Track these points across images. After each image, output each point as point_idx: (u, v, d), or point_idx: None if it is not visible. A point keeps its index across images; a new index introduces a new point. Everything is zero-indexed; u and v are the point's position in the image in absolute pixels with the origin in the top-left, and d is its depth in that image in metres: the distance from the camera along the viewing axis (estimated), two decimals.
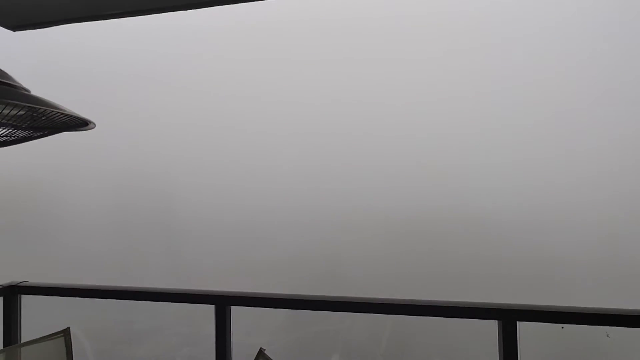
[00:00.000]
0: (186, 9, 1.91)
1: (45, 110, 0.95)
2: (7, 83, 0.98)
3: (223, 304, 2.15)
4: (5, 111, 0.90)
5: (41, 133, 1.15)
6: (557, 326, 1.80)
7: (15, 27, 1.96)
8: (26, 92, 1.00)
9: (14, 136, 1.12)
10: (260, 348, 1.73)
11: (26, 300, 2.47)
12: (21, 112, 0.97)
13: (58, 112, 0.97)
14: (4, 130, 1.06)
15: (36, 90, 1.08)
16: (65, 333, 1.96)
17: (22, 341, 2.33)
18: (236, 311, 2.20)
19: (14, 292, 2.41)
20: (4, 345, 2.37)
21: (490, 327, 1.83)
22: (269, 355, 1.68)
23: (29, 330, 2.45)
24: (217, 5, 1.86)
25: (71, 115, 1.01)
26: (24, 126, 1.07)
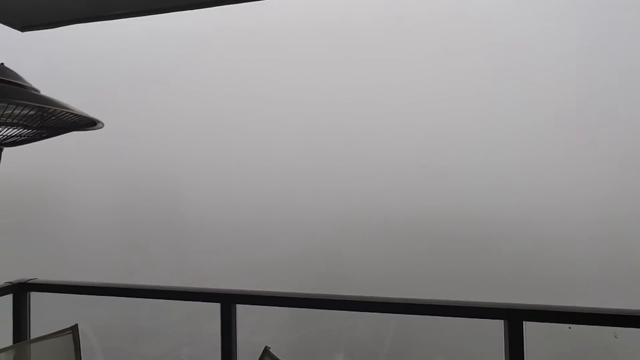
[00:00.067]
0: (189, 9, 1.93)
1: (55, 110, 0.96)
2: (17, 83, 0.99)
3: (228, 302, 2.16)
4: (16, 111, 0.92)
5: (50, 133, 1.16)
6: (564, 326, 1.79)
7: (23, 27, 1.98)
8: (36, 92, 1.01)
9: (24, 136, 1.14)
10: (266, 346, 1.74)
11: (35, 298, 2.51)
12: (31, 112, 0.98)
13: (67, 112, 0.98)
14: (15, 130, 1.07)
15: (44, 91, 1.10)
16: (74, 330, 1.98)
17: (32, 337, 2.36)
18: (240, 309, 2.21)
19: (23, 290, 2.44)
20: (14, 341, 2.40)
21: (496, 328, 1.83)
22: (274, 354, 1.69)
23: (37, 326, 2.49)
24: (219, 5, 1.87)
25: (80, 115, 1.03)
26: (34, 126, 1.08)
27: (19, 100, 0.87)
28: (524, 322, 1.74)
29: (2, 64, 1.02)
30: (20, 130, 1.10)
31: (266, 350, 1.72)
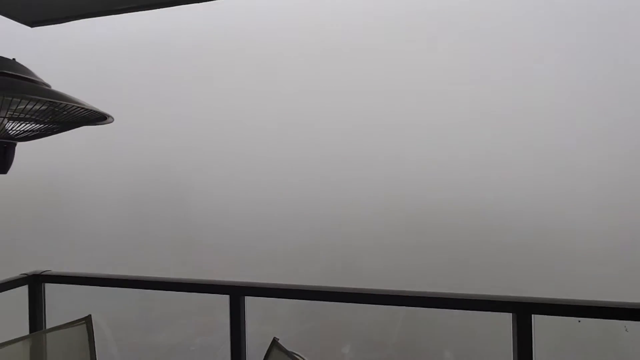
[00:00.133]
0: (198, 2, 1.91)
1: (66, 105, 0.97)
2: (29, 79, 1.00)
3: (237, 294, 2.19)
4: (29, 106, 0.93)
5: (61, 127, 1.18)
6: (574, 320, 1.77)
7: (32, 23, 2.00)
8: (47, 88, 1.03)
9: (36, 131, 1.15)
10: (274, 337, 1.76)
11: (49, 289, 2.57)
12: (43, 107, 1.00)
13: (78, 107, 0.99)
14: (27, 125, 1.09)
15: (53, 86, 1.11)
16: (87, 320, 2.03)
17: (47, 327, 2.43)
18: (249, 301, 2.24)
19: (37, 281, 2.50)
20: (30, 330, 2.48)
21: (504, 321, 1.82)
22: (282, 345, 1.71)
23: (52, 317, 2.56)
24: None
25: (90, 110, 1.04)
26: (45, 121, 1.10)
27: (32, 96, 0.89)
28: (532, 315, 1.73)
29: (14, 59, 1.04)
30: (33, 125, 1.12)
31: (275, 341, 1.74)
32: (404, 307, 2.07)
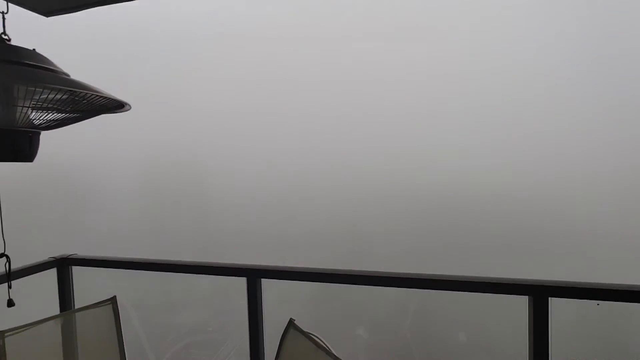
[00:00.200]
0: None
1: (86, 93, 0.99)
2: (49, 68, 1.03)
3: (254, 276, 2.24)
4: (50, 96, 0.96)
5: (82, 116, 1.21)
6: (592, 303, 1.75)
7: (48, 12, 2.01)
8: (67, 77, 1.05)
9: (58, 120, 1.18)
10: (291, 318, 1.81)
11: (76, 271, 2.70)
12: (64, 97, 1.02)
13: (97, 95, 1.01)
14: (49, 114, 1.12)
15: (72, 75, 1.14)
16: (113, 301, 2.13)
17: (75, 307, 2.56)
18: (265, 284, 2.30)
19: (65, 264, 2.63)
20: (60, 310, 2.62)
21: (519, 304, 1.81)
22: (299, 325, 1.75)
23: (79, 298, 2.69)
24: None
25: (109, 98, 1.06)
26: (66, 110, 1.13)
27: (54, 85, 0.91)
28: (549, 298, 1.71)
29: (34, 49, 1.06)
30: (54, 114, 1.15)
31: (291, 322, 1.79)
32: (419, 290, 2.08)
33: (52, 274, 2.61)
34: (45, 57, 1.05)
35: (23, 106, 0.97)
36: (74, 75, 1.11)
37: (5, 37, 1.05)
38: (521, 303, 1.79)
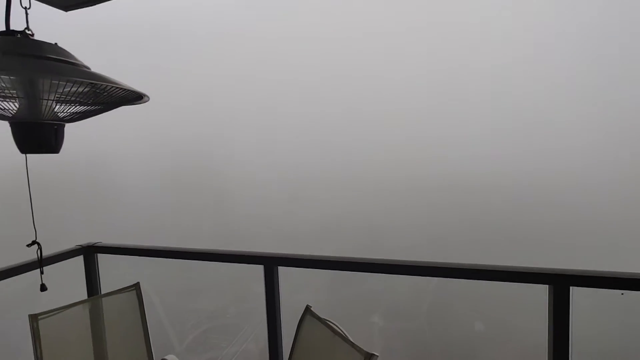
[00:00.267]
0: None
1: (107, 86, 1.02)
2: (71, 62, 1.05)
3: (271, 264, 2.28)
4: (73, 89, 0.99)
5: (103, 108, 1.24)
6: (615, 293, 1.70)
7: (66, 7, 2.04)
8: (88, 70, 1.07)
9: (80, 112, 1.22)
10: (307, 305, 1.84)
11: (101, 258, 2.81)
12: (86, 89, 1.05)
13: (117, 87, 1.03)
14: (72, 107, 1.15)
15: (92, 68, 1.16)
16: (137, 287, 2.21)
17: (101, 293, 2.68)
18: (282, 271, 2.33)
19: (90, 252, 2.74)
20: (88, 295, 2.74)
21: (537, 293, 1.78)
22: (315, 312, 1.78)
23: (104, 283, 2.81)
24: None
25: (128, 90, 1.08)
26: (88, 102, 1.16)
27: (76, 78, 0.93)
28: (570, 287, 1.68)
29: (56, 43, 1.09)
30: (77, 106, 1.18)
31: (308, 309, 1.82)
32: (436, 278, 2.07)
33: (79, 261, 2.73)
34: (66, 51, 1.07)
35: (48, 99, 1.00)
36: (93, 68, 1.14)
37: (29, 32, 1.08)
38: (539, 292, 1.76)
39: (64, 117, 1.14)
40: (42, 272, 1.57)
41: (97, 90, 1.08)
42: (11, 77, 0.95)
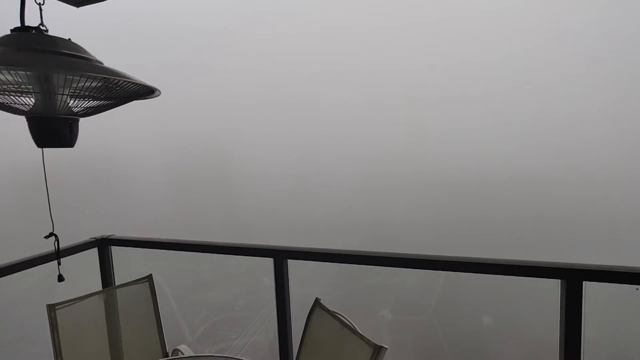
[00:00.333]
0: None
1: (119, 80, 1.03)
2: (84, 57, 1.07)
3: (281, 257, 2.30)
4: (87, 84, 1.00)
5: (116, 102, 1.25)
6: (629, 288, 1.67)
7: (78, 3, 2.06)
8: (101, 64, 1.09)
9: (94, 107, 1.24)
10: (317, 298, 1.85)
11: (114, 251, 2.87)
12: (99, 84, 1.06)
13: (130, 82, 1.04)
14: (86, 102, 1.17)
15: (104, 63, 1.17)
16: (149, 279, 2.26)
17: (115, 284, 2.74)
18: (292, 265, 2.35)
19: (104, 244, 2.80)
20: (102, 286, 2.81)
21: (548, 288, 1.76)
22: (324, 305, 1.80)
23: (117, 275, 2.87)
24: None
25: (140, 84, 1.09)
26: (101, 97, 1.17)
27: (90, 72, 0.95)
28: (583, 282, 1.65)
29: (69, 39, 1.10)
30: (90, 101, 1.20)
31: (317, 302, 1.84)
32: (446, 272, 2.06)
33: (91, 253, 2.79)
34: (80, 46, 1.09)
35: (62, 94, 1.02)
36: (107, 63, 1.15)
37: (43, 28, 1.09)
38: (548, 286, 1.74)
39: (78, 111, 1.16)
40: (59, 264, 1.61)
41: (110, 85, 1.09)
42: (27, 73, 0.97)
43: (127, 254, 2.91)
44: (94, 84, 1.04)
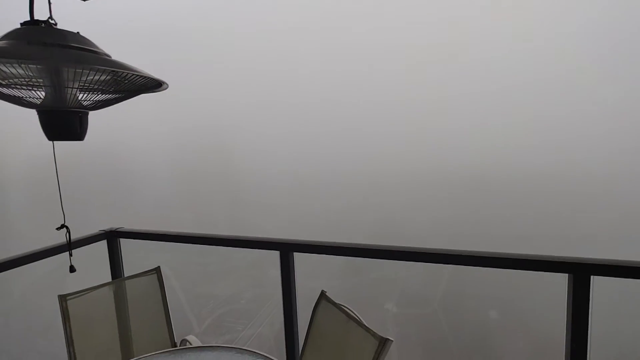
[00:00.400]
0: None
1: (128, 73, 1.04)
2: (93, 50, 1.07)
3: (287, 250, 2.31)
4: (96, 77, 1.01)
5: (124, 96, 1.26)
6: (634, 283, 1.65)
7: None
8: (109, 58, 1.09)
9: (103, 101, 1.25)
10: (322, 290, 1.87)
11: (123, 243, 2.92)
12: (108, 77, 1.07)
13: (138, 75, 1.05)
14: (95, 95, 1.18)
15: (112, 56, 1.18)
16: (157, 270, 2.29)
17: (124, 276, 2.78)
18: (297, 257, 2.37)
19: (113, 236, 2.84)
20: (112, 278, 2.85)
21: (554, 282, 1.75)
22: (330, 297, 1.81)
23: (126, 267, 2.92)
24: None
25: (148, 77, 1.10)
26: (110, 90, 1.18)
27: (99, 66, 0.95)
28: (591, 276, 1.64)
29: (78, 32, 1.11)
30: (99, 95, 1.21)
31: (323, 294, 1.85)
32: (449, 266, 2.05)
33: (100, 246, 2.84)
34: (88, 40, 1.09)
35: (72, 87, 1.03)
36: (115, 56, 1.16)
37: (52, 22, 1.10)
38: (555, 280, 1.73)
39: (87, 105, 1.17)
40: (71, 254, 1.64)
41: (118, 78, 1.10)
42: (38, 66, 0.98)
43: (136, 246, 2.95)
44: (102, 77, 1.05)
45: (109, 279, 2.80)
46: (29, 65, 0.96)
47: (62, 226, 1.55)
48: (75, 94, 1.08)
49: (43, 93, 1.08)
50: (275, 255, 2.35)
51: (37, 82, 1.05)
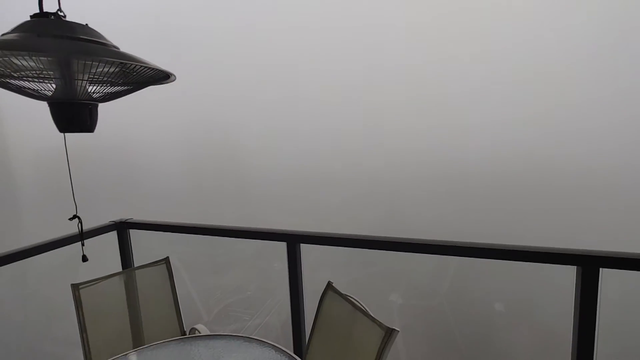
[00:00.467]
0: None
1: (136, 65, 1.04)
2: (101, 42, 1.08)
3: (294, 241, 2.33)
4: (105, 69, 1.02)
5: (132, 88, 1.27)
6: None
7: None
8: (117, 49, 1.10)
9: (112, 93, 1.26)
10: (329, 281, 1.88)
11: (132, 234, 2.97)
12: (116, 70, 1.08)
13: (146, 67, 1.06)
14: (103, 87, 1.19)
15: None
16: (166, 261, 2.33)
17: (134, 266, 2.84)
18: (304, 249, 2.39)
19: (123, 227, 2.89)
20: (122, 268, 2.91)
21: (562, 276, 1.73)
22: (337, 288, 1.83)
23: (135, 257, 2.97)
24: None
25: (156, 69, 1.10)
26: (118, 82, 1.19)
27: (108, 58, 0.96)
28: (600, 269, 1.63)
29: (87, 24, 1.12)
30: (108, 87, 1.22)
31: (329, 285, 1.87)
32: (455, 257, 2.05)
33: (110, 237, 2.89)
34: (97, 32, 1.10)
35: (82, 80, 1.04)
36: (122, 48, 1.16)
37: (62, 14, 1.11)
38: (562, 273, 1.71)
39: (97, 97, 1.18)
40: (83, 244, 1.68)
41: (127, 70, 1.11)
42: (48, 58, 1.00)
43: (145, 237, 3.00)
44: (111, 69, 1.06)
45: (119, 269, 2.86)
46: (40, 58, 0.97)
47: (74, 217, 1.58)
48: (85, 86, 1.09)
49: (54, 85, 1.10)
50: (282, 247, 2.38)
51: (48, 74, 1.06)
